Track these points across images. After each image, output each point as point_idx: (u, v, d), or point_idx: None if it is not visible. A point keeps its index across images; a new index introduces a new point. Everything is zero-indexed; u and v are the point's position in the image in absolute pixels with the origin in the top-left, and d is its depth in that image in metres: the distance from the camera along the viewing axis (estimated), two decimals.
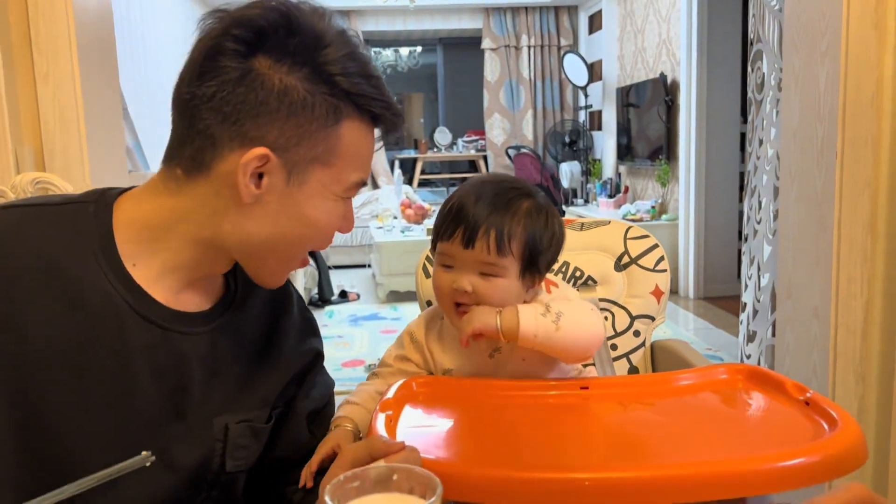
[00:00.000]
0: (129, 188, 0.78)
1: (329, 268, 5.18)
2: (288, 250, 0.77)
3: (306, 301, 4.57)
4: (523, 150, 6.85)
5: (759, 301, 2.46)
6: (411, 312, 4.43)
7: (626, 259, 1.36)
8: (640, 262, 1.35)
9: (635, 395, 0.90)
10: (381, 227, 5.52)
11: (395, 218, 5.73)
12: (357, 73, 0.72)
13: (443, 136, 7.62)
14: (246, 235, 0.73)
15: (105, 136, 1.87)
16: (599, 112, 6.67)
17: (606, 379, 1.11)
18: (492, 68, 7.31)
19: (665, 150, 5.07)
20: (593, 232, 1.39)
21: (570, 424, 0.84)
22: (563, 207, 6.40)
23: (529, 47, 7.26)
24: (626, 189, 5.95)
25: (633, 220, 4.98)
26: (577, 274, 1.35)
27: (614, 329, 1.33)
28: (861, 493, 0.51)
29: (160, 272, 0.74)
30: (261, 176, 0.70)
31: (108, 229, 0.73)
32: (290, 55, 0.69)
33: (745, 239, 2.61)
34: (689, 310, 4.56)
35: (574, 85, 6.76)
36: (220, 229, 0.73)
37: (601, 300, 1.34)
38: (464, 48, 7.69)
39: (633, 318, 1.33)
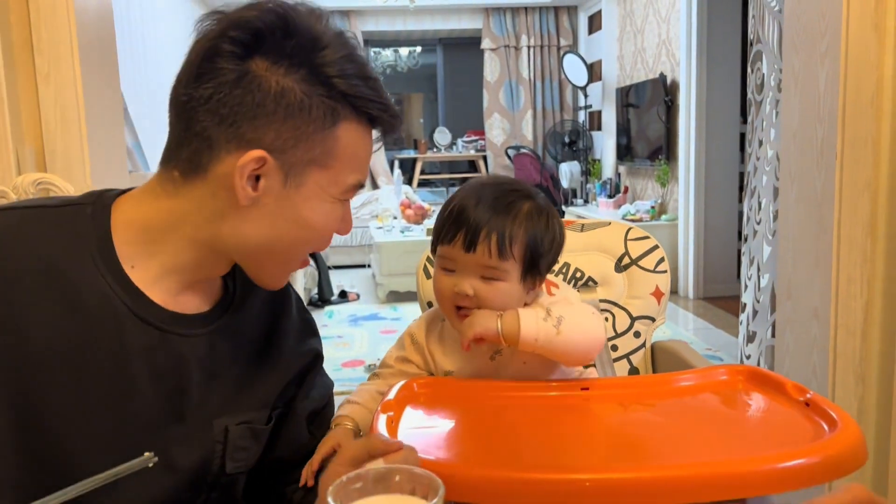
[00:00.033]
0: (127, 190, 0.78)
1: (329, 268, 5.18)
2: (286, 252, 0.76)
3: (306, 301, 4.57)
4: (523, 151, 6.85)
5: (758, 301, 2.46)
6: (411, 313, 4.43)
7: (626, 260, 1.36)
8: (641, 263, 1.35)
9: (636, 395, 0.90)
10: (380, 228, 5.52)
11: (395, 218, 5.73)
12: (354, 75, 0.72)
13: (442, 136, 7.62)
14: (243, 238, 0.73)
15: (106, 137, 1.88)
16: (599, 112, 6.67)
17: (607, 380, 1.11)
18: (491, 68, 7.31)
19: (665, 151, 5.07)
20: (594, 233, 1.39)
21: (570, 425, 0.84)
22: (563, 207, 6.40)
23: (529, 47, 7.26)
24: (626, 189, 5.95)
25: (632, 221, 4.98)
26: (578, 275, 1.35)
27: (615, 330, 1.33)
28: (861, 494, 0.51)
29: (158, 274, 0.74)
30: (258, 178, 0.70)
31: (105, 231, 0.73)
32: (287, 57, 0.69)
33: (745, 239, 2.61)
34: (689, 310, 4.56)
35: (574, 85, 6.76)
36: (218, 231, 0.73)
37: (601, 301, 1.34)
38: (463, 48, 7.69)
39: (633, 319, 1.33)
